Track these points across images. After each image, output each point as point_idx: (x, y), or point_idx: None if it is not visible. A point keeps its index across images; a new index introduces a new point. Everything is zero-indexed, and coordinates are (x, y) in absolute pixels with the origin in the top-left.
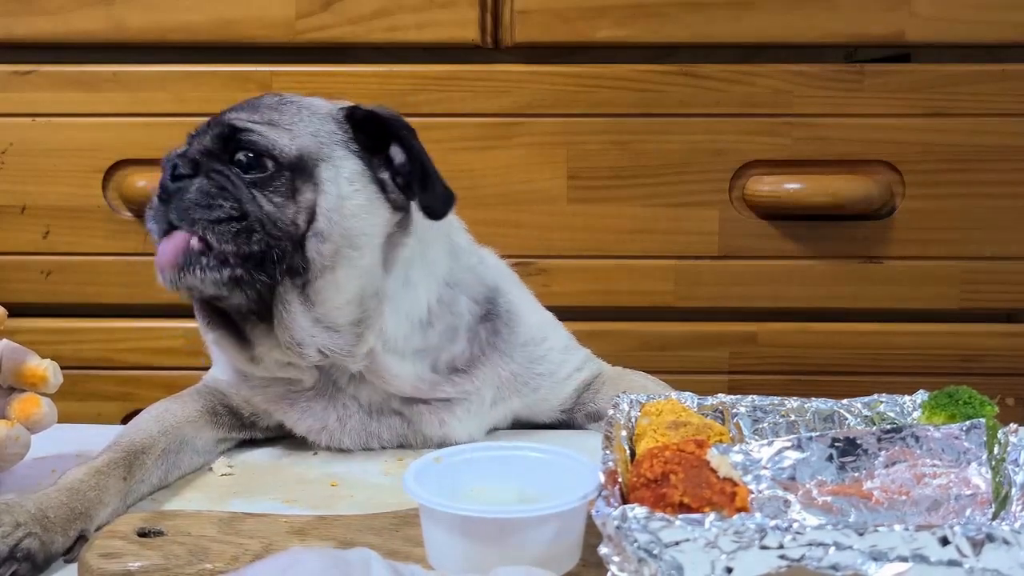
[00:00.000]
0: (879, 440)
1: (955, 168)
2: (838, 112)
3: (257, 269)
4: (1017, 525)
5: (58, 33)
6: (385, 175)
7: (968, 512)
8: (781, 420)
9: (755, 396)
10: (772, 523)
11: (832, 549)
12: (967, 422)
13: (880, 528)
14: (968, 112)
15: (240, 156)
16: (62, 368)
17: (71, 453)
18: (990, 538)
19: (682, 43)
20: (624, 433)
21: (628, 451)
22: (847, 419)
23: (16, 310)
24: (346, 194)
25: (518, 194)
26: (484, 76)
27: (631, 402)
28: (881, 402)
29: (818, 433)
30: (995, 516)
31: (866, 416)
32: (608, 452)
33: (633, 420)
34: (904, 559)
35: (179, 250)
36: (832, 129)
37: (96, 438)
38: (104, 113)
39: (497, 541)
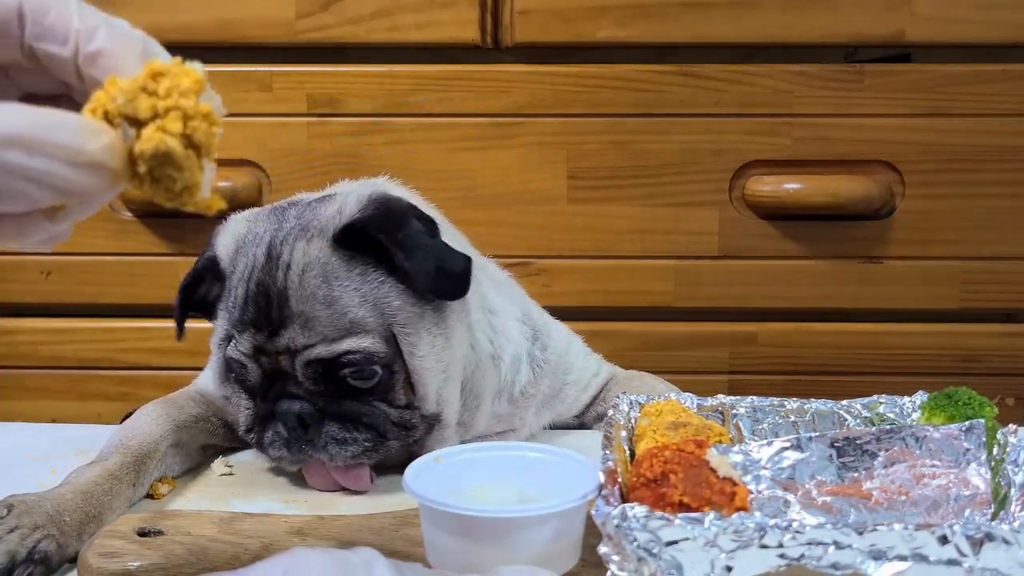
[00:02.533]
0: (879, 440)
1: (955, 168)
2: (838, 112)
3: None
4: (1016, 524)
5: None
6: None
7: (967, 512)
8: (781, 420)
9: (755, 396)
10: (772, 522)
11: (831, 548)
12: (966, 423)
13: (880, 527)
14: (969, 112)
15: (346, 375)
16: (62, 368)
17: (70, 452)
18: (989, 537)
19: (682, 43)
20: (624, 433)
21: (628, 451)
22: (847, 420)
23: (16, 310)
24: (433, 349)
25: (518, 194)
26: (484, 76)
27: (631, 403)
28: (881, 403)
29: (818, 433)
30: (994, 516)
31: (866, 417)
32: (608, 452)
33: (633, 420)
34: (903, 558)
35: (342, 483)
36: (832, 129)
37: (96, 438)
38: None
39: (497, 541)
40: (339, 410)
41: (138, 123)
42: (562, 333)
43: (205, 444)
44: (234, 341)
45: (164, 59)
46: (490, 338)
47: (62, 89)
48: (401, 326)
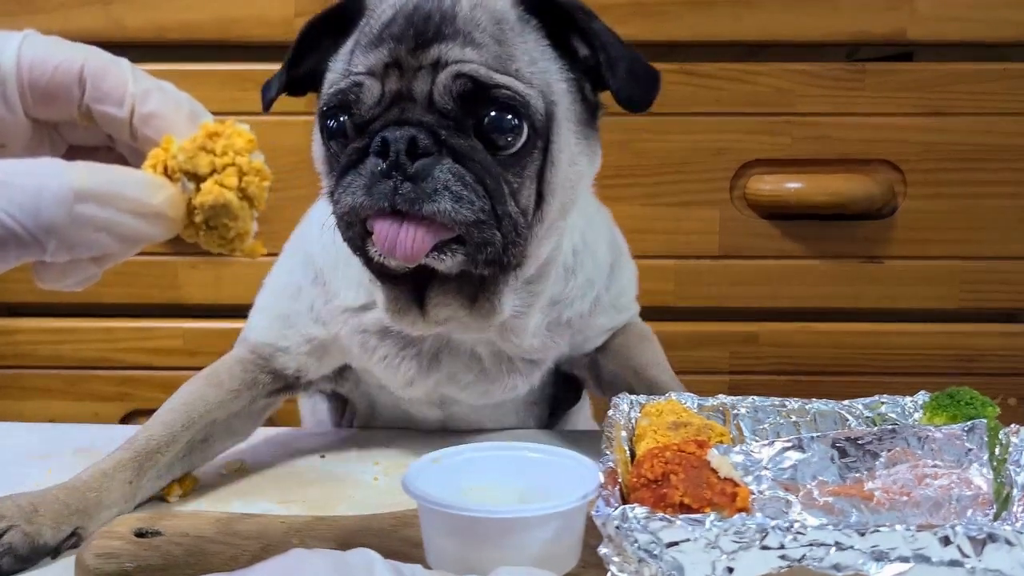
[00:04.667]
0: (880, 441)
1: (957, 167)
2: (839, 111)
3: (486, 265)
4: (1019, 525)
5: (56, 32)
6: (587, 87)
7: (969, 513)
8: (782, 421)
9: (756, 397)
10: (773, 523)
11: (833, 549)
12: (968, 423)
13: (881, 528)
14: (970, 111)
15: (489, 120)
16: (61, 368)
17: (68, 452)
18: (992, 538)
19: (683, 41)
20: (624, 434)
21: (628, 452)
22: (848, 420)
23: (16, 310)
24: (573, 159)
25: None
26: None
27: (631, 403)
28: (882, 403)
29: (819, 434)
30: (996, 517)
31: (867, 417)
32: (608, 452)
33: (633, 421)
34: (905, 559)
35: (421, 249)
36: (833, 128)
37: (94, 438)
38: None
39: (497, 541)
40: (467, 150)
41: (197, 178)
42: (631, 272)
43: (257, 410)
44: (354, 62)
45: (207, 119)
46: (575, 247)
47: (105, 142)
48: (554, 120)
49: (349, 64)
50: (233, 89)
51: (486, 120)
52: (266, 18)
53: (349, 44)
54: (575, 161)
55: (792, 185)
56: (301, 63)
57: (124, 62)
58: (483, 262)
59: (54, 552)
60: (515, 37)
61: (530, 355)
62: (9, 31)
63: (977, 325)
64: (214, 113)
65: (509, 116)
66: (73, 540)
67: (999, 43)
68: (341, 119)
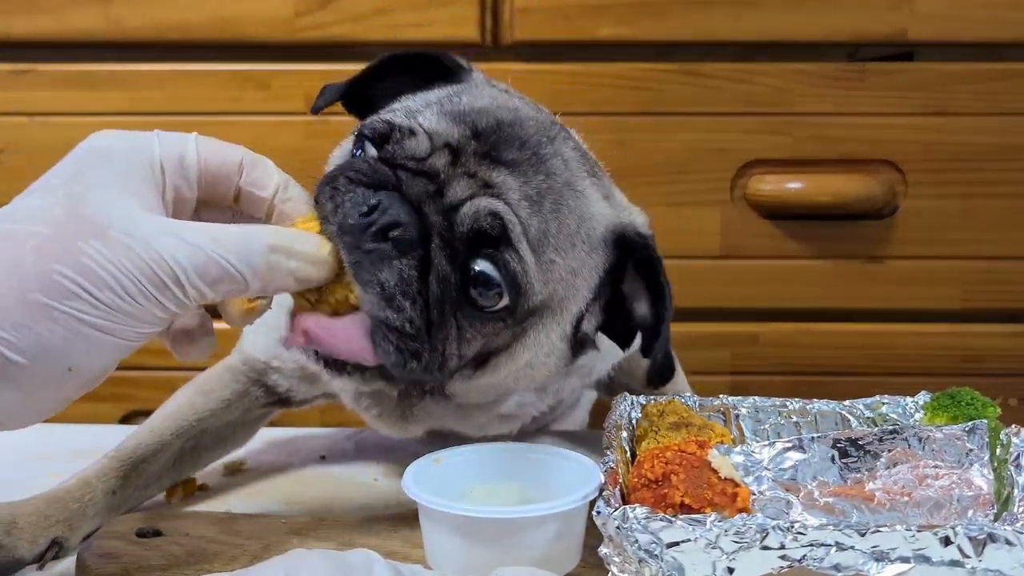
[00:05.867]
0: (881, 441)
1: (958, 167)
2: (840, 111)
3: (400, 379)
4: (1019, 525)
5: (55, 32)
6: (592, 322)
7: (970, 513)
8: (783, 421)
9: (757, 397)
10: (773, 523)
11: (834, 550)
12: (969, 423)
13: (882, 528)
14: (971, 111)
15: (476, 266)
16: None
17: (67, 452)
18: (992, 538)
19: (683, 41)
20: (625, 434)
21: (629, 452)
22: (849, 420)
23: None
24: (537, 363)
25: None
26: None
27: (631, 403)
28: (883, 403)
29: (820, 434)
30: (997, 517)
31: (868, 417)
32: (609, 453)
33: (634, 421)
34: (906, 559)
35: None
36: (834, 128)
37: (93, 439)
38: (102, 112)
39: (497, 541)
40: (433, 269)
41: None
42: None
43: (248, 420)
44: (426, 115)
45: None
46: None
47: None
48: (537, 324)
49: (421, 114)
50: (233, 89)
51: (478, 266)
52: (265, 17)
53: (432, 96)
54: (532, 365)
55: (793, 185)
56: (368, 84)
57: (266, 159)
58: (401, 369)
59: (38, 563)
60: (583, 239)
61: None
62: (178, 133)
63: (978, 325)
64: (214, 113)
65: (497, 283)
66: (55, 551)
67: (1000, 43)
68: (375, 144)
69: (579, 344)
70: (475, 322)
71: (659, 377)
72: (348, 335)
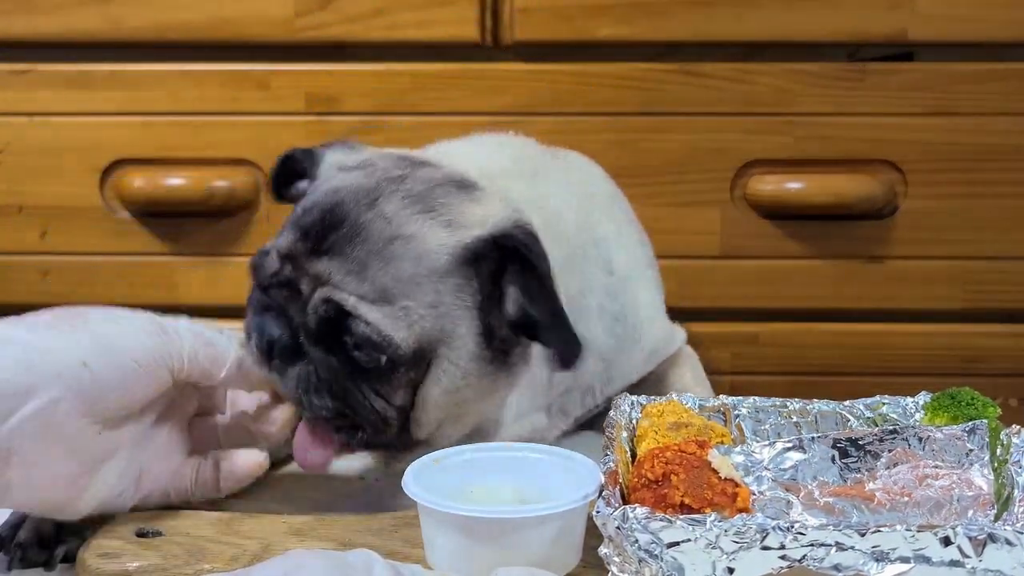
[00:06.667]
0: (881, 441)
1: (958, 167)
2: (840, 111)
3: (365, 447)
4: (1020, 526)
5: (55, 32)
6: (504, 330)
7: (970, 513)
8: (783, 421)
9: (757, 397)
10: (773, 523)
11: (834, 550)
12: (969, 423)
13: (882, 528)
14: (972, 111)
15: (348, 343)
16: None
17: None
18: (992, 538)
19: (683, 41)
20: (625, 434)
21: (629, 452)
22: (849, 420)
23: (14, 310)
24: (459, 384)
25: None
26: (484, 75)
27: (632, 403)
28: (883, 403)
29: (820, 434)
30: (997, 517)
31: (868, 417)
32: (609, 453)
33: (634, 421)
34: (906, 560)
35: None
36: (834, 128)
37: None
38: (101, 112)
39: (497, 541)
40: (318, 360)
41: None
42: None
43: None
44: (282, 233)
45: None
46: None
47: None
48: (436, 355)
49: (282, 231)
50: (233, 89)
51: (347, 341)
52: (264, 17)
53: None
54: (466, 386)
55: (793, 185)
56: (286, 185)
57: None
58: (360, 443)
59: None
60: (426, 275)
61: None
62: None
63: (979, 326)
64: (213, 113)
65: (366, 347)
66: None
67: (1001, 43)
68: (254, 276)
69: (502, 352)
70: (378, 381)
71: (562, 361)
72: (305, 443)
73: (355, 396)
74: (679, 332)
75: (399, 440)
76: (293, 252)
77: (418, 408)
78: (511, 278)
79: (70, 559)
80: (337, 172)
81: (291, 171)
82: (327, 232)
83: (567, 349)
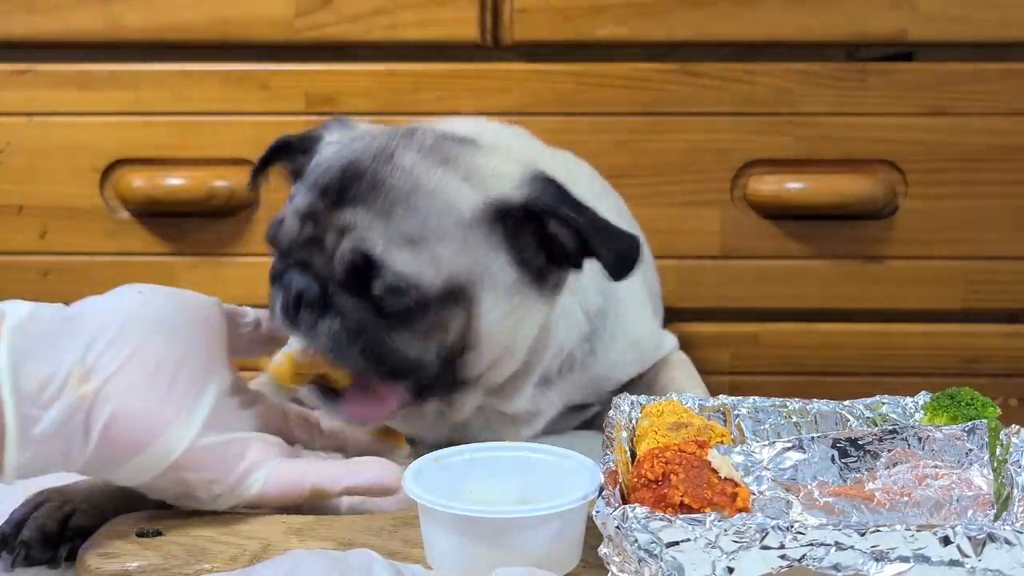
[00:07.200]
0: (881, 441)
1: (958, 167)
2: (840, 111)
3: (418, 395)
4: (1019, 525)
5: (55, 32)
6: (542, 261)
7: (970, 513)
8: (783, 421)
9: (757, 397)
10: (773, 523)
11: (833, 549)
12: (969, 423)
13: (882, 528)
14: (971, 111)
15: (376, 289)
16: None
17: None
18: (992, 538)
19: (683, 41)
20: (625, 434)
21: (629, 452)
22: (849, 420)
23: None
24: (503, 314)
25: None
26: (484, 75)
27: (631, 403)
28: (883, 403)
29: (820, 434)
30: (997, 517)
31: (868, 417)
32: (609, 453)
33: (634, 421)
34: (905, 559)
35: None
36: (834, 128)
37: None
38: (101, 112)
39: (497, 541)
40: (348, 310)
41: None
42: (632, 333)
43: None
44: (296, 198)
45: None
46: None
47: None
48: (484, 287)
49: (295, 198)
50: (233, 89)
51: (376, 287)
52: (265, 17)
53: (301, 180)
54: (504, 320)
55: (793, 185)
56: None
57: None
58: (414, 391)
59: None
60: (453, 225)
61: (531, 409)
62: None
63: (979, 326)
64: (213, 113)
65: (396, 289)
66: (65, 546)
67: (1001, 43)
68: (273, 245)
69: (539, 279)
70: (410, 326)
71: (619, 269)
72: (363, 403)
73: (386, 345)
74: (668, 337)
75: (444, 382)
76: (313, 209)
77: (471, 347)
78: (553, 225)
79: (74, 557)
80: (344, 140)
81: (281, 159)
82: (348, 185)
83: (626, 246)
